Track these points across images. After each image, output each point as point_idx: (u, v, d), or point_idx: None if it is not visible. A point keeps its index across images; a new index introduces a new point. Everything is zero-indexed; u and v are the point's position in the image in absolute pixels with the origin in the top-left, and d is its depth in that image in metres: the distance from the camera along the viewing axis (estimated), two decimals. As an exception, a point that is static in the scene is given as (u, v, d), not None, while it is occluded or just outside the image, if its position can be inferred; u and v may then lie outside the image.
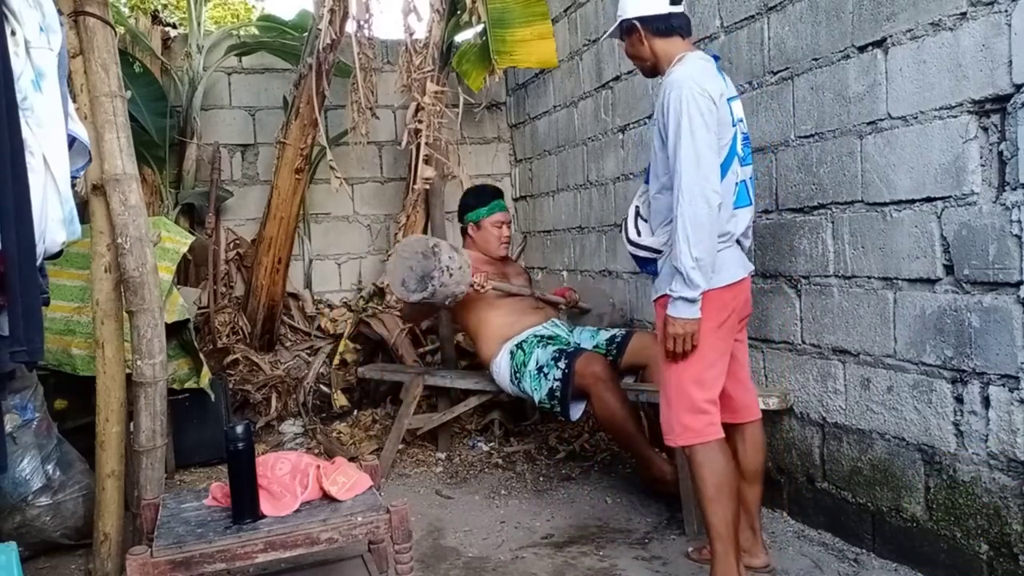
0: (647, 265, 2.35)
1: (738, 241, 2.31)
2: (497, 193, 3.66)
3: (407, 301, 3.16)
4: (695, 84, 2.08)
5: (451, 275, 3.01)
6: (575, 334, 3.40)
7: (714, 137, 2.10)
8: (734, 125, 2.19)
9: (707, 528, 2.19)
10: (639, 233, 2.33)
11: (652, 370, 3.16)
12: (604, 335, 3.33)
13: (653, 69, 2.32)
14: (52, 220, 1.60)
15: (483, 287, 3.18)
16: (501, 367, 3.30)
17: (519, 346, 3.26)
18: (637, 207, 2.37)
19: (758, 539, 2.46)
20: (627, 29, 2.29)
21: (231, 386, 4.30)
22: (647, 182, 2.34)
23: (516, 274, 3.65)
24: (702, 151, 2.06)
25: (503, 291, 3.33)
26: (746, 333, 2.47)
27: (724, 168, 2.16)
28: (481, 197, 3.63)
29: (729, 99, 2.22)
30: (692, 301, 2.11)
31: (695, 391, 2.20)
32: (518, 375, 3.21)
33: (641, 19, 2.24)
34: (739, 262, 2.29)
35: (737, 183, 2.23)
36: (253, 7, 10.88)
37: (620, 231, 2.54)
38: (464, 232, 3.67)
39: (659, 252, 2.28)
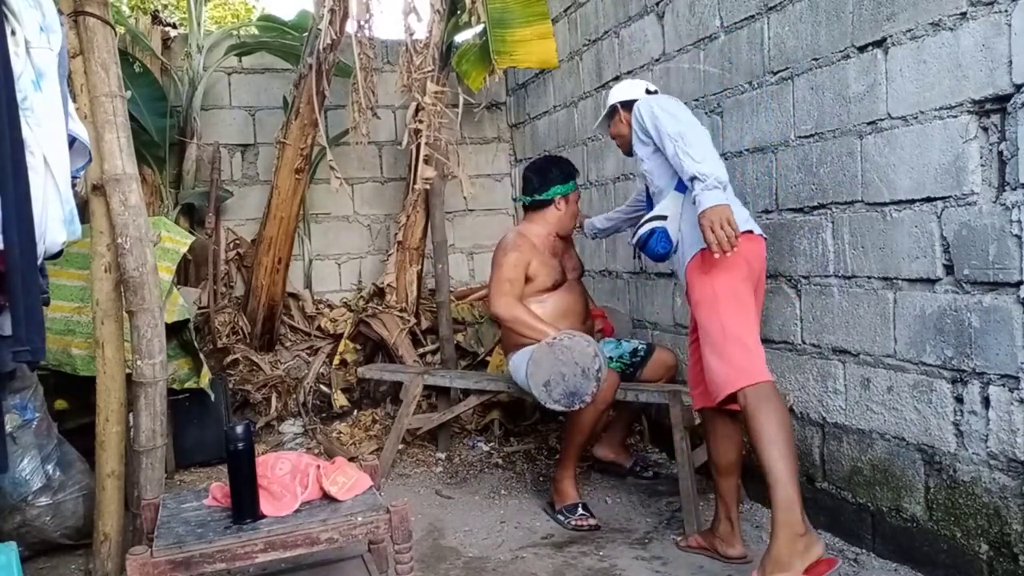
0: (660, 241, 2.40)
1: None
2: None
3: (540, 402, 2.85)
4: (657, 97, 2.52)
5: (595, 398, 2.79)
6: (600, 344, 3.33)
7: (689, 113, 2.40)
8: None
9: (767, 474, 2.12)
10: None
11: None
12: (628, 347, 3.31)
13: (631, 146, 2.60)
14: (52, 220, 1.60)
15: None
16: (520, 361, 3.13)
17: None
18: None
19: (735, 530, 2.51)
20: (610, 114, 2.80)
21: (231, 386, 4.30)
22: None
23: (572, 268, 3.31)
24: (679, 114, 2.36)
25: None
26: (762, 306, 2.51)
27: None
28: (569, 169, 3.23)
29: None
30: (712, 188, 2.19)
31: (744, 333, 2.25)
32: None
33: (622, 103, 2.72)
34: (752, 219, 2.43)
35: (720, 156, 2.40)
36: (253, 7, 10.89)
37: (632, 241, 2.58)
38: (532, 207, 3.23)
39: (662, 217, 2.41)
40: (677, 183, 2.40)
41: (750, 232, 2.36)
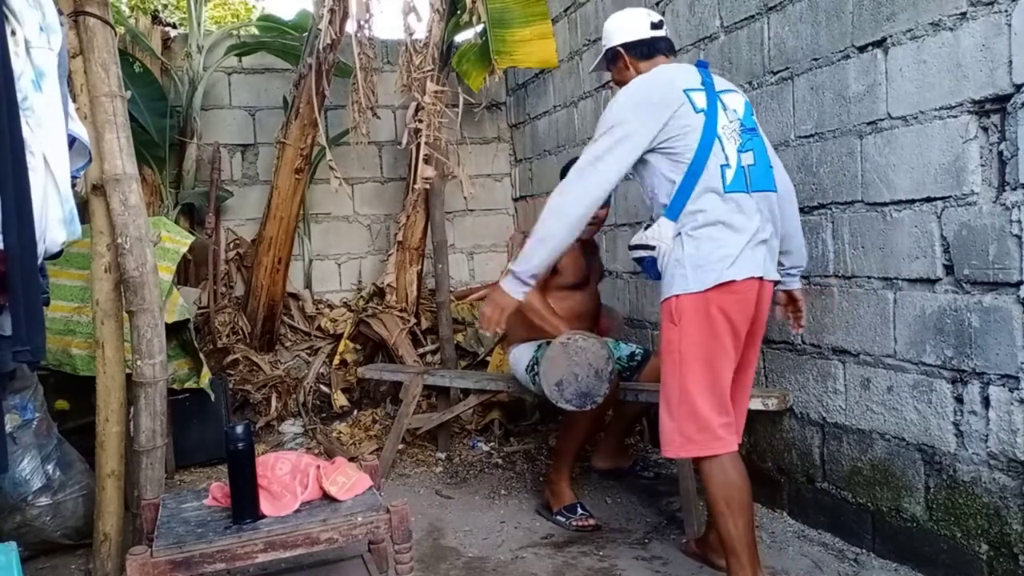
0: (650, 268, 2.26)
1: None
2: None
3: (551, 401, 2.78)
4: (639, 81, 2.18)
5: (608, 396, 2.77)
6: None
7: (639, 139, 2.09)
8: (698, 112, 2.11)
9: (721, 542, 2.18)
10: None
11: None
12: (625, 350, 3.29)
13: None
14: (52, 220, 1.60)
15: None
16: (522, 355, 3.14)
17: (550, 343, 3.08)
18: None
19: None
20: (612, 58, 2.39)
21: (231, 386, 4.30)
22: None
23: (594, 271, 3.26)
24: (601, 152, 2.10)
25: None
26: (758, 349, 2.33)
27: (704, 152, 2.08)
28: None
29: (711, 90, 2.16)
30: (516, 277, 2.11)
31: (700, 400, 2.08)
32: (535, 367, 3.13)
33: (625, 45, 2.34)
34: (741, 260, 2.06)
35: (723, 166, 2.09)
36: (253, 7, 10.87)
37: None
38: None
39: (650, 248, 2.19)
40: (668, 208, 2.12)
41: (732, 282, 2.05)
